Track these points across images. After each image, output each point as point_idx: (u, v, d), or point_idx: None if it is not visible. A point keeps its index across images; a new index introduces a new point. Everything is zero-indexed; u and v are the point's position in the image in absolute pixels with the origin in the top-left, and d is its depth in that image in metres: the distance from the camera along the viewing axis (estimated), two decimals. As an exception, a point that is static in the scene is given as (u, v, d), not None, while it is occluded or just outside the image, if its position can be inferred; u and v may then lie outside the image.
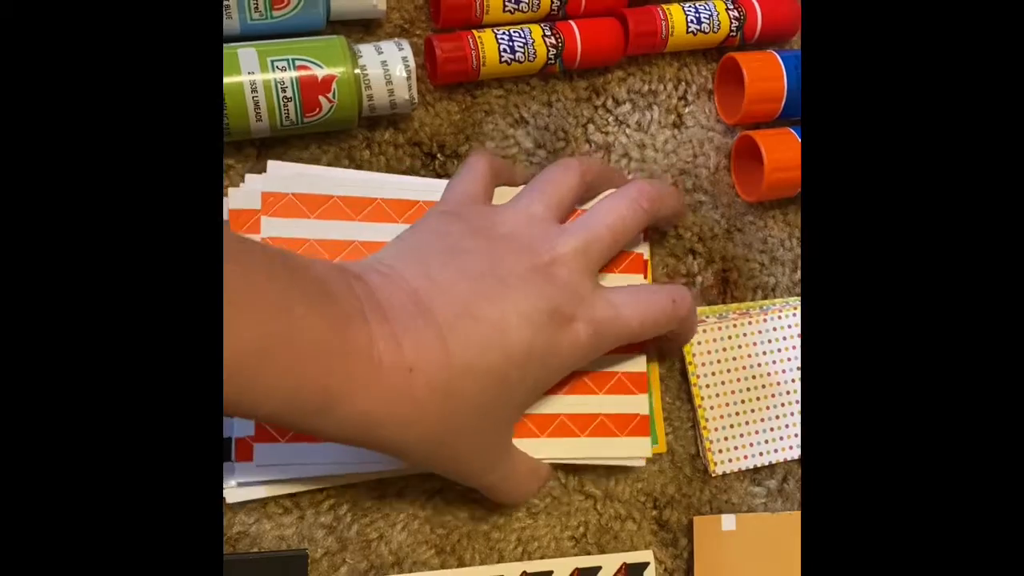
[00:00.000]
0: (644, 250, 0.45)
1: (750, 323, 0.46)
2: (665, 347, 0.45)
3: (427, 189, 0.43)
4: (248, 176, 0.42)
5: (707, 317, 0.46)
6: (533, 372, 0.38)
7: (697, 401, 0.45)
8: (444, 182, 0.43)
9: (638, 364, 0.44)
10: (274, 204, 0.41)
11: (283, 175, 0.42)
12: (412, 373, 0.34)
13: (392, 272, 0.37)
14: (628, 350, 0.43)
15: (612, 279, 0.44)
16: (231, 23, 0.42)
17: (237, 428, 0.39)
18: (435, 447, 0.36)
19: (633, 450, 0.43)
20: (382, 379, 0.34)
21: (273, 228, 0.41)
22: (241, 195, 0.41)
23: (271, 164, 0.43)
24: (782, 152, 0.46)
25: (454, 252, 0.38)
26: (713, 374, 0.46)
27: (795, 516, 0.45)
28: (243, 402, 0.31)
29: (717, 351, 0.46)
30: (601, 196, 0.43)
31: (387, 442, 0.35)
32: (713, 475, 0.45)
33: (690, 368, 0.45)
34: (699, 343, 0.46)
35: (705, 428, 0.45)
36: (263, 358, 0.31)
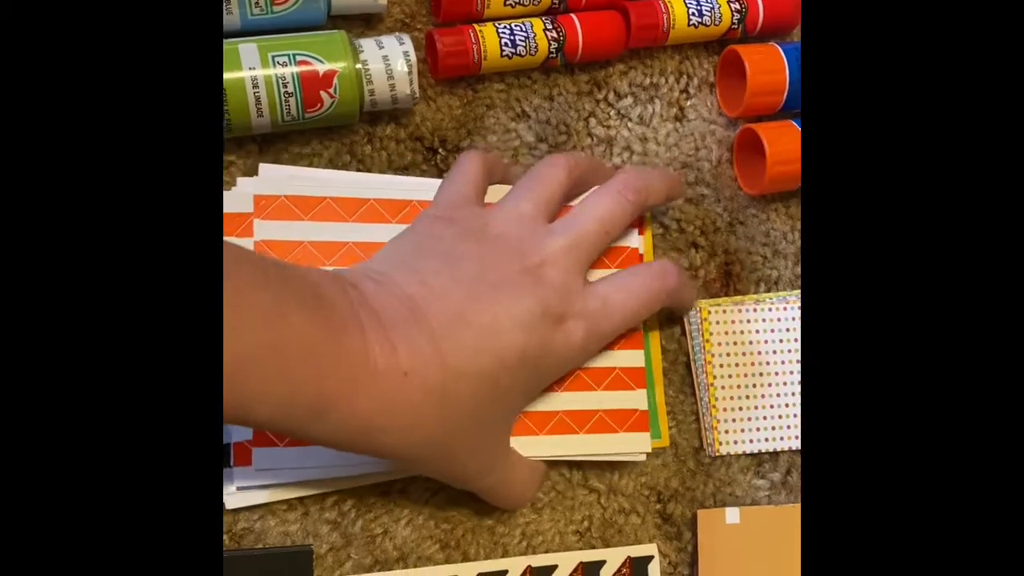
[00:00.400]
0: (638, 243, 0.44)
1: (769, 310, 0.46)
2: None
3: (420, 188, 0.43)
4: (240, 180, 0.42)
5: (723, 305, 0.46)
6: (526, 374, 0.38)
7: (709, 380, 0.45)
8: (437, 181, 0.43)
9: (636, 359, 0.44)
10: (267, 207, 0.41)
11: (275, 177, 0.42)
12: (407, 377, 0.34)
13: (386, 279, 0.37)
14: (626, 345, 0.43)
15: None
16: (231, 18, 0.42)
17: (235, 433, 0.39)
18: (433, 450, 0.36)
19: (632, 445, 0.43)
20: (378, 383, 0.34)
21: (266, 231, 0.41)
22: (233, 198, 0.41)
23: (263, 167, 0.42)
24: (784, 145, 0.46)
25: (447, 257, 0.38)
26: (728, 355, 0.46)
27: (799, 509, 0.45)
28: (239, 408, 0.31)
29: (734, 333, 0.46)
30: (590, 192, 0.43)
31: (384, 447, 0.35)
32: (716, 455, 0.45)
33: (706, 346, 0.45)
34: (717, 323, 0.46)
35: (714, 407, 0.45)
36: (257, 364, 0.31)
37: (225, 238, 0.33)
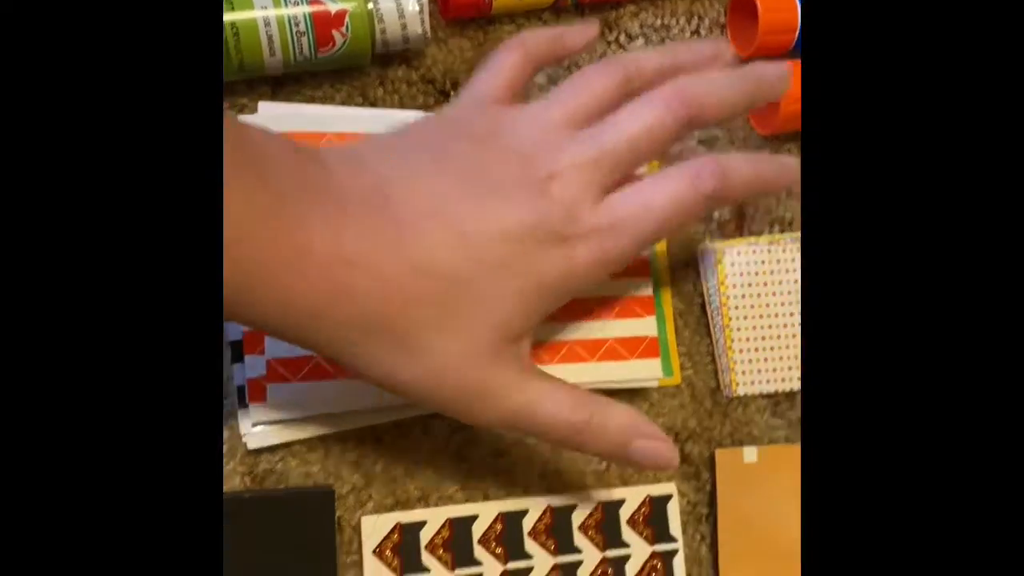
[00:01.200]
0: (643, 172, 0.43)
1: (784, 251, 0.46)
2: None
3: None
4: (240, 117, 0.41)
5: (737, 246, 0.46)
6: (512, 288, 0.34)
7: (725, 321, 0.45)
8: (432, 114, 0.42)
9: (644, 288, 0.44)
10: None
11: (275, 114, 0.42)
12: (350, 266, 0.32)
13: (361, 162, 0.34)
14: (633, 273, 0.43)
15: None
16: (241, -41, 0.41)
17: (249, 369, 0.39)
18: (387, 343, 0.33)
19: (644, 372, 0.43)
20: (319, 271, 0.31)
21: None
22: None
23: (262, 105, 0.42)
24: (796, 86, 0.46)
25: (437, 152, 0.35)
26: (743, 296, 0.46)
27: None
28: (241, 310, 0.31)
29: (748, 274, 0.46)
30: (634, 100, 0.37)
31: (324, 336, 0.33)
32: (734, 395, 0.45)
33: (721, 288, 0.45)
34: (732, 264, 0.46)
35: (731, 348, 0.45)
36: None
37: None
